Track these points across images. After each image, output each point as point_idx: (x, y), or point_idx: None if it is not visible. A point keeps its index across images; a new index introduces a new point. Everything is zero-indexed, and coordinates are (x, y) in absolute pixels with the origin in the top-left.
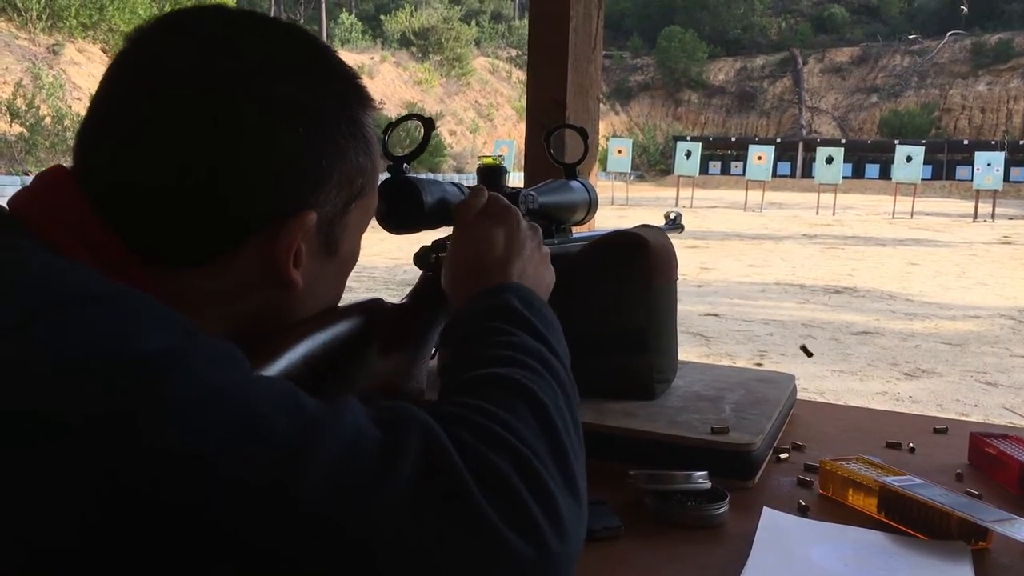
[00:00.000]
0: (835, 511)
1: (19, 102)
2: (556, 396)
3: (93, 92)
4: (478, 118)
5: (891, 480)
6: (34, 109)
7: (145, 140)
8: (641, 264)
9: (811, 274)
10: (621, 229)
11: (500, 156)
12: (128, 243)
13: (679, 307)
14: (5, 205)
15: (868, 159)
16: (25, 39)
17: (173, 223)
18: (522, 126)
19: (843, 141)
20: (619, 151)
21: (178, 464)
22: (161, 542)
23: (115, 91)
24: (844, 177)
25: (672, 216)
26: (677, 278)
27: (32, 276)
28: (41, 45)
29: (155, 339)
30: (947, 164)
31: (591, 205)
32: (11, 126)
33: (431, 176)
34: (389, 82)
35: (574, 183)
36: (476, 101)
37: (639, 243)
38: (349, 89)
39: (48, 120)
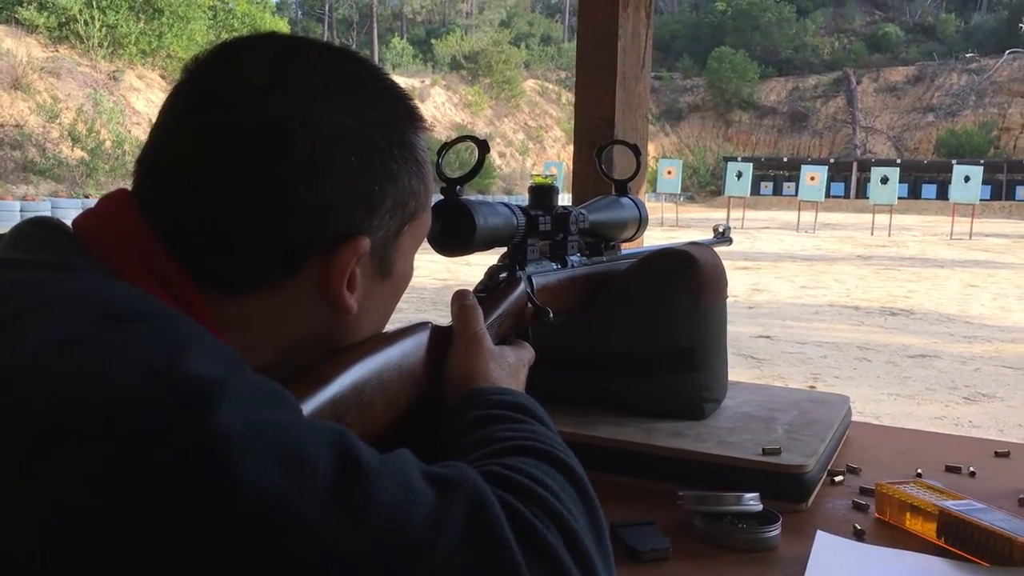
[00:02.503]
0: (892, 536)
1: (80, 127)
2: (584, 474)
3: (153, 118)
4: (527, 140)
5: (951, 504)
6: (95, 134)
7: (199, 171)
8: (690, 282)
9: (866, 296)
10: (669, 246)
11: (552, 175)
12: (185, 268)
13: (729, 328)
14: (70, 224)
15: (924, 179)
16: (87, 66)
17: (229, 251)
18: (571, 148)
19: (899, 161)
20: (669, 172)
21: (214, 494)
22: (180, 568)
23: (172, 121)
24: (900, 197)
25: (721, 229)
26: (727, 296)
27: (83, 294)
28: (102, 72)
29: (204, 366)
30: (1007, 184)
31: (641, 222)
32: (72, 151)
33: (481, 197)
34: (439, 105)
35: (624, 200)
36: (526, 123)
37: (688, 261)
38: (401, 112)
39: (108, 145)
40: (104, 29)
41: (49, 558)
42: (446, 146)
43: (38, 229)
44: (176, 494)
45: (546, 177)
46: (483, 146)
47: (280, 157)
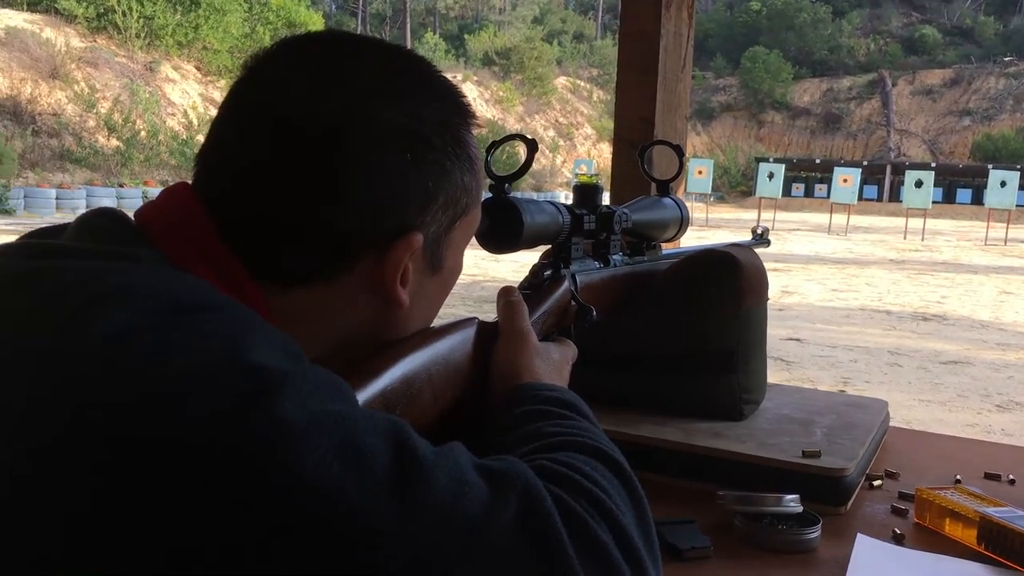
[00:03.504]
0: (931, 541)
1: (116, 117)
2: (631, 471)
3: (187, 109)
4: (558, 137)
5: (992, 511)
6: (130, 124)
7: (256, 165)
8: (733, 284)
9: (898, 300)
10: (711, 247)
11: (596, 175)
12: (242, 261)
13: None
14: (132, 216)
15: (959, 183)
16: (124, 56)
17: (286, 247)
18: (602, 146)
19: (933, 165)
20: (700, 172)
21: (275, 482)
22: (238, 556)
23: (231, 117)
24: (934, 202)
25: (759, 231)
26: (767, 299)
27: (149, 284)
28: (138, 62)
29: (266, 356)
30: None
31: (683, 222)
32: (108, 140)
33: (522, 195)
34: (470, 100)
35: (666, 200)
36: (556, 120)
37: (731, 262)
38: (453, 108)
39: (143, 135)
40: (141, 20)
41: (104, 542)
42: (495, 144)
43: (103, 220)
44: (238, 483)
45: (592, 176)
46: (532, 145)
47: (336, 153)
